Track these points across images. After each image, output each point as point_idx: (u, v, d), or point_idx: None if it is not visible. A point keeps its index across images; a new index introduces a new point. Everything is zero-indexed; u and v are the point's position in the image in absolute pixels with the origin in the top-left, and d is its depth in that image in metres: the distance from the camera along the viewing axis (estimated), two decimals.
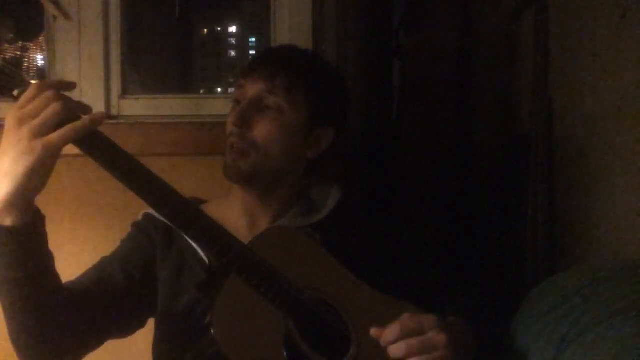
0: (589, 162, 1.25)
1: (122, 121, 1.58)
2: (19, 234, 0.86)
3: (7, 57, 1.81)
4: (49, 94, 0.84)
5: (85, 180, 1.46)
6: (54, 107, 0.83)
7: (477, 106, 1.64)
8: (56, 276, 0.95)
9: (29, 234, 0.88)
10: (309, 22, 1.57)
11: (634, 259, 1.07)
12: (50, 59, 1.58)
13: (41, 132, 0.83)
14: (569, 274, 1.08)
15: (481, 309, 1.10)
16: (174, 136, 1.52)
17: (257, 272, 0.94)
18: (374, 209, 1.55)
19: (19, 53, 1.85)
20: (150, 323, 1.15)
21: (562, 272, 1.12)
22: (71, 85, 0.91)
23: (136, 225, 1.18)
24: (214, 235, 0.95)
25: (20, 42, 1.85)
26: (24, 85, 0.89)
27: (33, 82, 0.91)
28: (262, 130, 1.11)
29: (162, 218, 1.11)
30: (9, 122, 0.84)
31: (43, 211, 0.91)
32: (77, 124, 0.85)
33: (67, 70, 1.57)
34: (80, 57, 1.57)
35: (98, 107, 1.57)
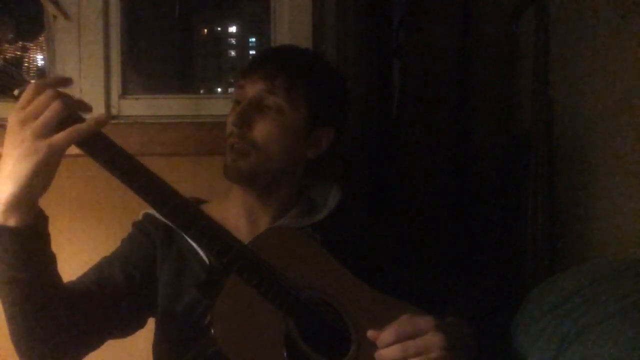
0: (589, 162, 1.25)
1: (122, 121, 1.58)
2: (22, 235, 0.86)
3: (7, 57, 1.81)
4: (48, 92, 0.84)
5: (85, 180, 1.46)
6: (54, 106, 0.83)
7: (477, 106, 1.64)
8: (58, 277, 0.95)
9: (32, 235, 0.88)
10: (309, 22, 1.57)
11: (634, 259, 1.07)
12: (50, 59, 1.58)
13: (44, 132, 0.83)
14: (569, 274, 1.08)
15: (481, 309, 1.10)
16: (174, 136, 1.52)
17: (257, 272, 0.94)
18: (374, 209, 1.55)
19: (19, 53, 1.85)
20: (150, 323, 1.15)
21: (562, 272, 1.12)
22: (68, 81, 0.91)
23: (136, 226, 1.18)
24: (214, 235, 0.95)
25: (20, 42, 1.85)
26: (24, 85, 0.89)
27: (33, 82, 0.91)
28: (262, 130, 1.11)
29: (162, 218, 1.11)
30: (11, 123, 0.84)
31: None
32: (82, 125, 0.85)
33: (67, 70, 1.57)
34: (80, 57, 1.57)
35: (98, 107, 1.57)
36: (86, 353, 1.03)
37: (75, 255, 1.39)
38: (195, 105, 1.62)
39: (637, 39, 1.09)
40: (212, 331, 0.91)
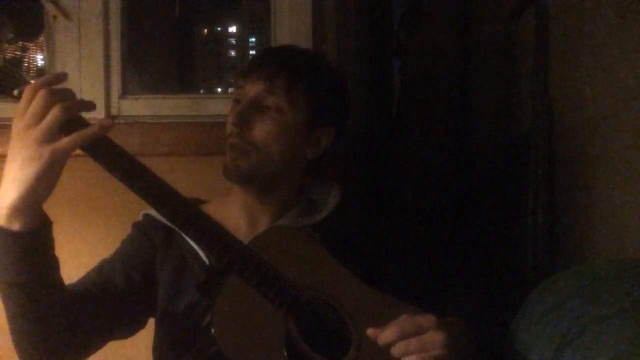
0: (589, 162, 1.25)
1: (122, 121, 1.58)
2: (26, 239, 0.87)
3: (7, 57, 1.81)
4: (44, 95, 0.84)
5: (85, 180, 1.46)
6: (55, 111, 0.83)
7: (477, 106, 1.64)
8: (60, 280, 0.96)
9: (36, 239, 0.88)
10: (309, 22, 1.57)
11: (634, 259, 1.07)
12: (50, 59, 1.59)
13: (46, 138, 0.83)
14: (569, 274, 1.08)
15: (481, 309, 1.10)
16: (174, 136, 1.52)
17: (257, 272, 0.94)
18: (374, 208, 1.55)
19: (19, 53, 1.85)
20: (151, 323, 1.15)
21: (562, 272, 1.12)
22: (63, 77, 0.90)
23: (136, 226, 1.18)
24: (214, 235, 0.95)
25: (20, 42, 1.85)
26: (24, 85, 0.89)
27: (33, 82, 0.91)
28: (262, 130, 1.11)
29: (162, 218, 1.11)
30: (16, 128, 0.85)
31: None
32: (86, 131, 0.85)
33: (67, 70, 1.57)
34: (80, 57, 1.57)
35: (98, 107, 1.56)
36: (87, 355, 1.04)
37: (75, 255, 1.39)
38: (195, 105, 1.62)
39: (637, 39, 1.09)
40: (212, 331, 0.91)
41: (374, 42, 1.57)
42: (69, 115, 0.85)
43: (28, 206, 0.85)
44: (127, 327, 1.10)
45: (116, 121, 1.57)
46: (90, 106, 0.90)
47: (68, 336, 0.97)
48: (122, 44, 1.60)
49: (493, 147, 1.61)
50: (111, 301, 1.05)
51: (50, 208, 0.93)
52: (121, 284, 1.07)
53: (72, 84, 1.57)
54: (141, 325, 1.13)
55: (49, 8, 1.55)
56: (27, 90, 0.85)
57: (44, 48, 1.63)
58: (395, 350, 0.90)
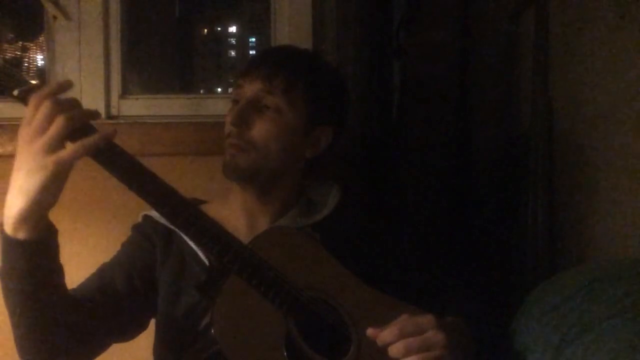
0: (589, 162, 1.25)
1: (122, 121, 1.58)
2: (32, 248, 0.88)
3: (7, 57, 1.81)
4: (48, 105, 0.84)
5: (85, 180, 1.45)
6: (58, 122, 0.84)
7: (477, 106, 1.64)
8: (64, 287, 0.96)
9: (41, 248, 0.89)
10: (309, 22, 1.57)
11: (634, 259, 1.07)
12: (50, 59, 1.58)
13: (51, 148, 0.84)
14: (569, 274, 1.08)
15: (480, 309, 1.10)
16: (174, 136, 1.52)
17: (257, 272, 0.94)
18: (374, 209, 1.55)
19: (19, 53, 1.85)
20: (152, 323, 1.15)
21: (562, 272, 1.12)
22: (67, 85, 0.90)
23: (136, 229, 1.18)
24: (214, 235, 0.95)
25: (20, 42, 1.85)
26: (24, 85, 0.89)
27: (33, 82, 0.91)
28: (261, 129, 1.11)
29: (162, 219, 1.11)
30: (21, 138, 0.86)
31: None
32: (89, 140, 0.86)
33: (67, 70, 1.57)
34: (80, 57, 1.57)
35: (98, 107, 1.56)
36: (90, 359, 1.04)
37: (75, 255, 1.38)
38: (195, 105, 1.62)
39: (637, 38, 1.09)
40: (212, 331, 0.91)
41: (374, 42, 1.57)
42: (74, 125, 0.85)
43: (33, 215, 0.86)
44: (129, 330, 1.11)
45: (116, 121, 1.58)
46: (94, 115, 0.90)
47: (71, 342, 0.98)
48: (122, 44, 1.60)
49: (493, 147, 1.61)
50: (113, 306, 1.06)
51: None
52: (122, 288, 1.08)
53: None
54: (143, 327, 1.13)
55: (49, 8, 1.55)
56: (32, 100, 0.86)
57: (44, 48, 1.63)
58: (394, 351, 0.90)
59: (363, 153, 1.55)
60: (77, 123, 0.86)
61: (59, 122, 0.84)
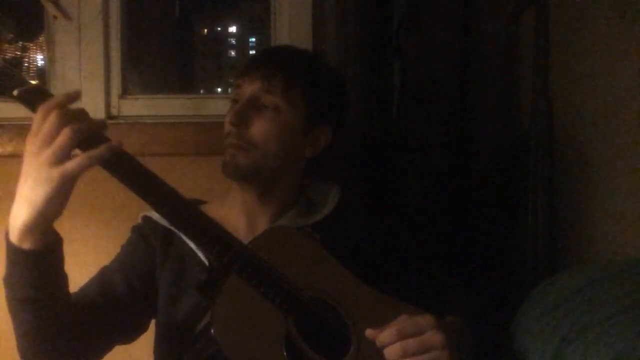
0: (589, 162, 1.25)
1: (122, 121, 1.58)
2: (37, 258, 0.88)
3: (7, 57, 1.81)
4: (55, 116, 0.84)
5: (85, 180, 1.45)
6: (65, 134, 0.84)
7: (477, 106, 1.64)
8: (68, 295, 0.97)
9: (46, 257, 0.89)
10: (309, 22, 1.57)
11: (634, 259, 1.07)
12: (50, 59, 1.58)
13: (56, 160, 0.84)
14: (569, 274, 1.08)
15: (480, 309, 1.10)
16: (174, 136, 1.52)
17: (257, 272, 0.94)
18: (374, 209, 1.55)
19: (19, 53, 1.85)
20: (152, 324, 1.15)
21: (562, 272, 1.12)
22: (75, 96, 0.90)
23: (136, 230, 1.18)
24: (214, 235, 0.95)
25: (20, 42, 1.85)
26: (24, 85, 0.89)
27: (33, 82, 0.91)
28: (260, 129, 1.11)
29: (161, 220, 1.11)
30: (28, 148, 0.86)
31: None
32: (95, 152, 0.86)
33: (67, 70, 1.57)
34: (80, 57, 1.57)
35: (98, 107, 1.57)
36: None
37: (75, 254, 1.38)
38: (195, 105, 1.62)
39: (637, 38, 1.09)
40: (212, 331, 0.91)
41: (374, 42, 1.57)
42: (80, 137, 0.85)
43: (39, 226, 0.87)
44: (130, 333, 1.11)
45: (116, 121, 1.58)
46: (101, 126, 0.90)
47: (73, 346, 0.98)
48: (122, 44, 1.60)
49: (493, 147, 1.61)
50: (114, 310, 1.06)
51: None
52: (123, 293, 1.08)
53: (72, 84, 1.57)
54: (144, 328, 1.14)
55: (49, 8, 1.55)
56: (40, 111, 0.86)
57: (44, 48, 1.63)
58: (393, 352, 0.90)
59: (363, 153, 1.55)
60: (84, 135, 0.86)
61: (65, 134, 0.84)
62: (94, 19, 1.57)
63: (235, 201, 1.17)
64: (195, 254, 1.10)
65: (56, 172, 0.83)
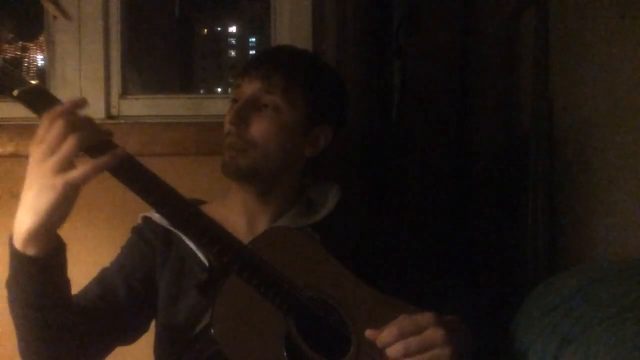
0: (589, 162, 1.25)
1: (122, 121, 1.58)
2: (40, 264, 0.88)
3: (7, 57, 1.81)
4: (60, 124, 0.84)
5: None
6: (70, 142, 0.83)
7: (477, 106, 1.64)
8: (70, 299, 0.97)
9: (50, 263, 0.90)
10: (309, 22, 1.57)
11: (634, 259, 1.07)
12: (50, 59, 1.58)
13: (61, 168, 0.83)
14: (569, 274, 1.08)
15: (480, 308, 1.10)
16: (174, 136, 1.52)
17: (257, 272, 0.94)
18: (374, 209, 1.55)
19: (19, 53, 1.85)
20: (152, 324, 1.15)
21: (562, 272, 1.12)
22: (81, 103, 0.90)
23: (135, 231, 1.18)
24: (214, 235, 0.95)
25: (20, 42, 1.85)
26: (24, 85, 0.89)
27: (33, 82, 0.91)
28: (259, 128, 1.11)
29: (161, 220, 1.11)
30: (32, 156, 0.85)
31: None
32: (99, 162, 0.85)
33: (67, 70, 1.57)
34: (80, 57, 1.57)
35: (98, 107, 1.57)
36: None
37: (75, 255, 1.38)
38: (195, 105, 1.62)
39: (637, 39, 1.09)
40: (212, 331, 0.91)
41: (374, 42, 1.57)
42: (85, 145, 0.85)
43: (42, 233, 0.87)
44: (131, 334, 1.12)
45: (116, 121, 1.58)
46: (107, 134, 0.90)
47: (75, 350, 0.99)
48: (122, 44, 1.60)
49: (493, 147, 1.61)
50: (115, 313, 1.06)
51: None
52: (123, 296, 1.08)
53: (72, 84, 1.57)
54: (145, 329, 1.14)
55: (49, 8, 1.55)
56: (46, 118, 0.85)
57: (44, 48, 1.63)
58: (395, 351, 0.90)
59: (363, 153, 1.55)
60: (89, 143, 0.86)
61: (69, 143, 0.83)
62: (94, 19, 1.57)
63: (235, 201, 1.17)
64: (195, 254, 1.10)
65: (60, 181, 0.83)
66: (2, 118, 1.51)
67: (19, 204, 0.87)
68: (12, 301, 0.92)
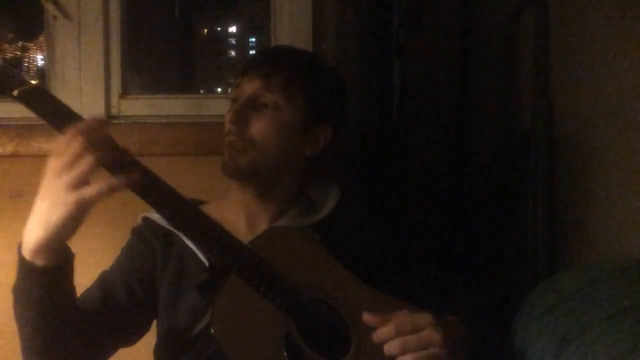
0: (589, 162, 1.25)
1: (122, 121, 1.58)
2: (48, 274, 0.89)
3: (7, 57, 1.81)
4: (80, 141, 0.84)
5: None
6: (87, 161, 0.84)
7: (477, 106, 1.64)
8: (76, 307, 0.98)
9: (57, 274, 0.90)
10: (309, 22, 1.57)
11: (634, 259, 1.07)
12: (50, 59, 1.58)
13: (75, 186, 0.84)
14: (569, 274, 1.08)
15: (480, 309, 1.10)
16: (174, 136, 1.52)
17: (257, 272, 0.94)
18: (374, 209, 1.55)
19: (19, 53, 1.85)
20: (153, 325, 1.15)
21: (562, 272, 1.12)
22: (106, 124, 0.90)
23: (135, 232, 1.18)
24: (214, 235, 0.95)
25: (20, 42, 1.85)
26: (24, 85, 0.89)
27: (33, 82, 0.91)
28: (259, 127, 1.11)
29: (161, 221, 1.11)
30: (49, 168, 0.86)
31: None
32: (113, 182, 0.85)
33: (67, 70, 1.57)
34: (80, 57, 1.57)
35: (98, 107, 1.57)
36: None
37: (75, 255, 1.38)
38: (195, 105, 1.62)
39: (637, 39, 1.09)
40: (212, 331, 0.91)
41: (374, 43, 1.57)
42: (101, 166, 0.85)
43: (52, 245, 0.87)
44: (133, 335, 1.12)
45: (116, 121, 1.58)
46: (125, 155, 0.89)
47: (78, 354, 0.99)
48: (122, 44, 1.60)
49: (493, 148, 1.61)
50: (117, 316, 1.07)
51: None
52: (124, 298, 1.09)
53: (72, 84, 1.57)
54: (147, 329, 1.15)
55: (49, 8, 1.55)
56: (67, 134, 0.85)
57: (44, 48, 1.63)
58: (392, 348, 0.90)
59: (363, 153, 1.55)
60: (106, 164, 0.86)
61: (86, 161, 0.84)
62: (94, 19, 1.57)
63: (235, 201, 1.17)
64: (195, 254, 1.10)
65: (72, 198, 0.83)
66: (2, 118, 1.51)
67: (31, 212, 0.87)
68: (18, 306, 0.93)
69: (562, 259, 1.35)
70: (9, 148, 1.48)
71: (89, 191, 0.84)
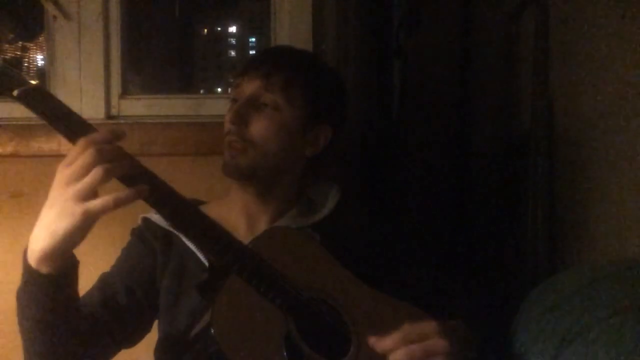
0: (589, 162, 1.25)
1: (122, 121, 1.58)
2: (53, 282, 0.89)
3: (7, 57, 1.81)
4: (91, 152, 0.83)
5: None
6: (96, 173, 0.83)
7: (477, 106, 1.64)
8: (79, 312, 0.98)
9: (62, 281, 0.90)
10: (309, 22, 1.57)
11: (634, 259, 1.07)
12: (50, 59, 1.59)
13: (82, 197, 0.83)
14: (569, 274, 1.08)
15: (480, 310, 1.10)
16: (174, 136, 1.52)
17: (257, 272, 0.94)
18: (374, 209, 1.55)
19: (19, 53, 1.85)
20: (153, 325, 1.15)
21: (562, 272, 1.12)
22: (120, 135, 0.89)
23: (135, 233, 1.18)
24: (214, 235, 0.95)
25: (20, 42, 1.85)
26: (24, 85, 0.89)
27: (33, 82, 0.91)
28: (259, 127, 1.11)
29: (161, 221, 1.11)
30: (58, 178, 0.85)
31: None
32: (121, 196, 0.85)
33: (67, 70, 1.57)
34: (80, 57, 1.57)
35: (98, 107, 1.57)
36: None
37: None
38: (195, 105, 1.63)
39: (637, 38, 1.09)
40: (212, 331, 0.91)
41: (374, 43, 1.57)
42: (110, 177, 0.85)
43: (57, 254, 0.87)
44: (135, 336, 1.12)
45: (116, 121, 1.58)
46: (136, 167, 0.89)
47: (80, 355, 0.99)
48: (122, 44, 1.60)
49: (493, 147, 1.61)
50: (118, 318, 1.07)
51: None
52: (124, 300, 1.09)
53: (72, 84, 1.57)
54: (148, 330, 1.15)
55: (49, 8, 1.55)
56: (80, 143, 0.85)
57: (44, 48, 1.63)
58: (398, 356, 0.89)
59: (363, 153, 1.55)
60: (115, 175, 0.86)
61: (95, 173, 0.83)
62: (94, 19, 1.57)
63: (235, 201, 1.17)
64: (195, 255, 1.10)
65: (79, 209, 0.83)
66: (2, 118, 1.51)
67: (38, 219, 0.87)
68: (21, 313, 0.93)
69: (562, 259, 1.35)
70: (9, 148, 1.48)
71: (95, 203, 0.84)
